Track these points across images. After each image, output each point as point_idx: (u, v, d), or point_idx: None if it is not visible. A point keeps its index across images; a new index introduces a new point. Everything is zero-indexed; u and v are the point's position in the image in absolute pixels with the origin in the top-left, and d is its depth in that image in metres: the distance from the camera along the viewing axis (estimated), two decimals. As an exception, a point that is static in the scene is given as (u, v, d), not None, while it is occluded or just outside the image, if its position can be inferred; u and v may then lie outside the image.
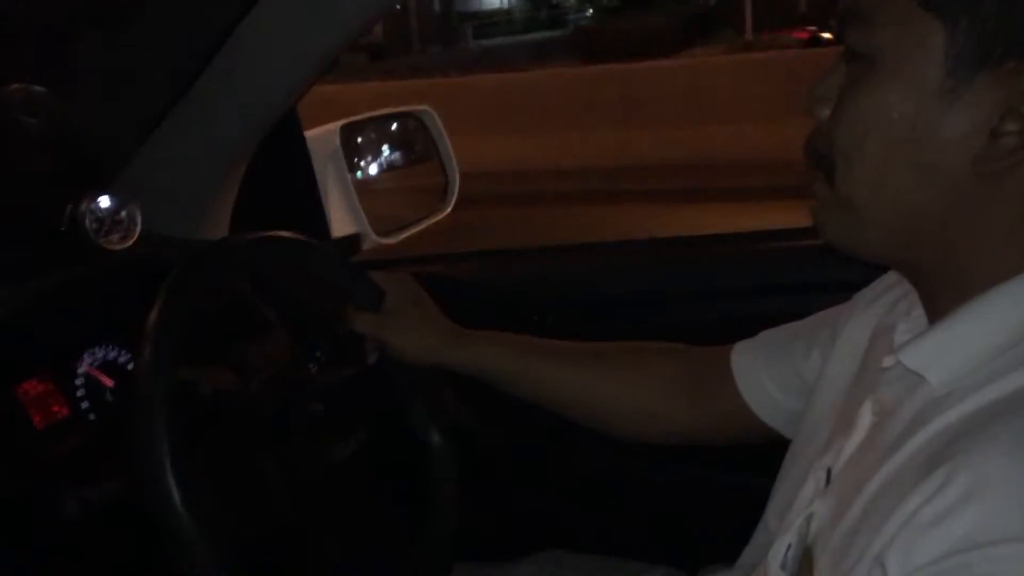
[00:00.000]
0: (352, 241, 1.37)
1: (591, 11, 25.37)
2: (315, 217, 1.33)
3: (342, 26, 1.09)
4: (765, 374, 0.94)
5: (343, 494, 0.94)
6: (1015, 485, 0.50)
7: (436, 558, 1.03)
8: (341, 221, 1.37)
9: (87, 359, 1.05)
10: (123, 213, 1.16)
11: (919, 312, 0.70)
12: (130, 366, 1.05)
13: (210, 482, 0.86)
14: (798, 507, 0.73)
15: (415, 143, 1.52)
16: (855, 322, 0.84)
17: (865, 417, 0.70)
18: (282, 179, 1.30)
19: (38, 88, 1.13)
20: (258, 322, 1.08)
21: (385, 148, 1.51)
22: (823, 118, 0.66)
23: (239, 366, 1.04)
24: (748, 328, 0.99)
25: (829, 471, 0.72)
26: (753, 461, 0.96)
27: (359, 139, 1.43)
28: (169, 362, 0.83)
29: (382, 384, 1.04)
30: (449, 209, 1.50)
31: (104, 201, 1.14)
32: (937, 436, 0.58)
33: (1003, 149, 0.57)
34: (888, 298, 0.81)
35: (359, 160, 1.44)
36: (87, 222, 1.13)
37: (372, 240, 1.39)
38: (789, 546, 0.70)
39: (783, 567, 0.69)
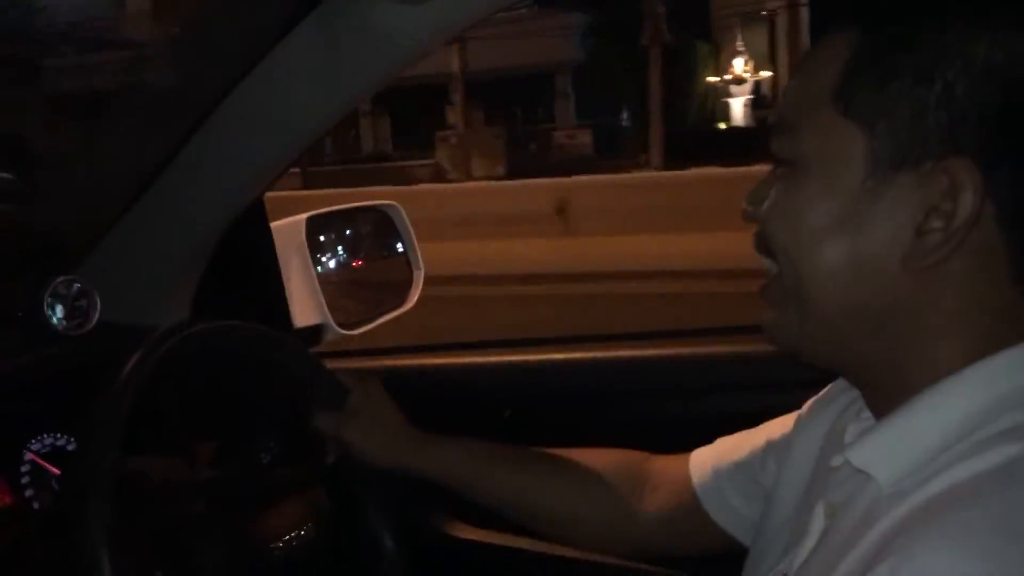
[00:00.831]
0: (314, 332, 1.37)
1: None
2: (278, 307, 1.33)
3: (312, 120, 1.11)
4: (725, 483, 0.93)
5: None
6: None
7: None
8: (303, 312, 1.37)
9: (35, 446, 1.03)
10: (82, 300, 1.16)
11: (868, 414, 0.71)
12: None
13: (153, 572, 0.84)
14: None
15: (380, 237, 1.53)
16: (809, 429, 0.85)
17: (817, 521, 0.70)
18: (246, 268, 1.31)
19: (4, 175, 1.14)
20: (210, 410, 1.07)
21: (350, 242, 1.52)
22: (762, 214, 0.69)
23: (188, 456, 1.03)
24: (704, 430, 1.00)
25: None
26: (713, 569, 0.96)
27: (324, 232, 1.44)
28: (109, 451, 0.81)
29: (336, 483, 1.03)
30: (411, 304, 1.51)
31: (64, 287, 1.14)
32: (883, 535, 0.58)
33: (929, 246, 0.60)
34: (840, 402, 0.82)
35: (324, 252, 1.45)
36: (45, 307, 1.13)
37: (334, 332, 1.39)
38: None
39: None
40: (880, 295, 0.62)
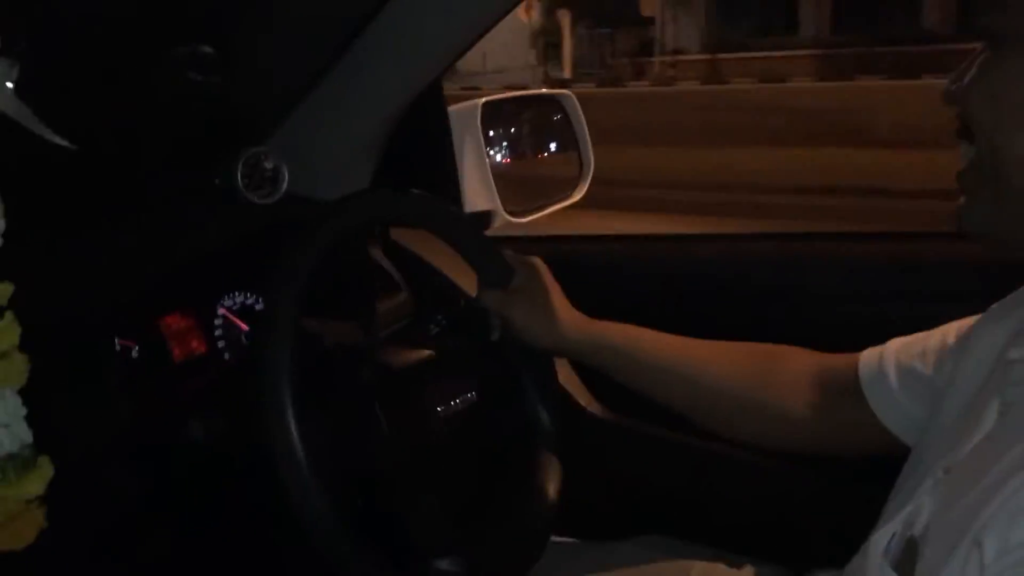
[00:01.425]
0: (484, 217, 1.40)
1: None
2: (450, 190, 1.36)
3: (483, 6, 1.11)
4: (895, 384, 0.91)
5: (449, 453, 0.96)
6: None
7: (534, 530, 1.05)
8: (475, 196, 1.39)
9: (227, 301, 1.12)
10: (272, 171, 1.23)
11: None
12: None
13: (325, 429, 0.89)
14: (911, 502, 0.72)
15: (554, 127, 1.53)
16: (987, 333, 0.81)
17: (989, 416, 0.68)
18: (422, 149, 1.34)
19: (205, 48, 1.20)
20: (385, 281, 1.12)
21: (524, 129, 1.53)
22: (960, 94, 0.66)
23: (363, 322, 1.08)
24: (876, 334, 0.96)
25: (947, 469, 0.70)
26: (871, 469, 0.94)
27: (499, 117, 1.45)
28: (293, 314, 0.86)
29: (499, 358, 1.06)
30: (579, 196, 1.51)
31: (256, 159, 1.21)
32: None
33: None
34: (1022, 311, 0.78)
35: (497, 138, 1.46)
36: (239, 176, 1.20)
37: (503, 218, 1.41)
38: (893, 535, 0.68)
39: (885, 554, 0.68)
40: None
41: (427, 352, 0.98)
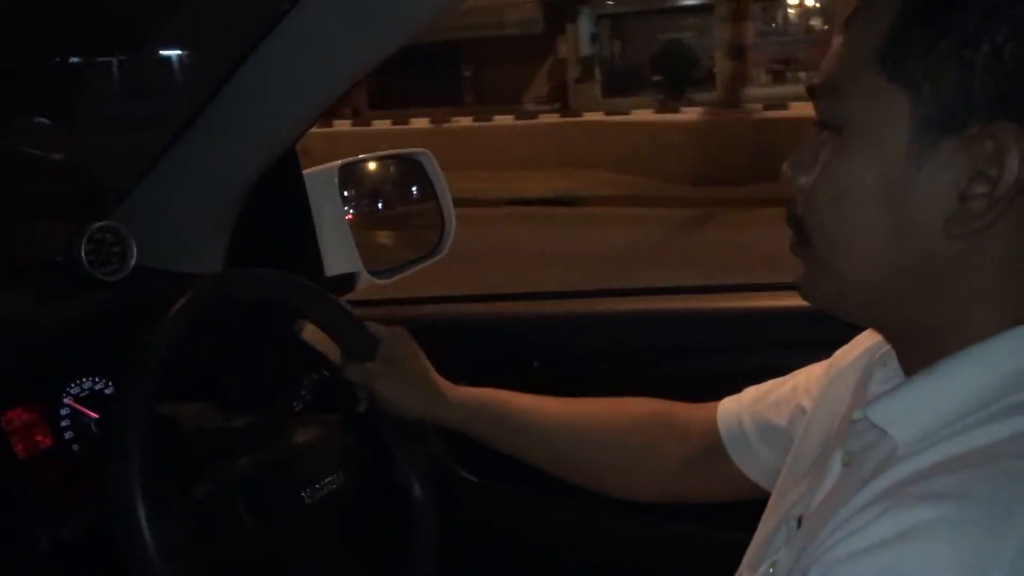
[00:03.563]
0: (346, 280, 1.38)
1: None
2: (310, 254, 1.33)
3: (345, 69, 1.10)
4: (751, 431, 0.95)
5: (318, 535, 0.94)
6: (938, 542, 0.51)
7: None
8: (336, 260, 1.37)
9: (74, 389, 1.06)
10: (118, 246, 1.18)
11: (895, 364, 0.72)
12: None
13: (184, 522, 0.86)
14: (766, 555, 0.74)
15: (412, 185, 1.53)
16: (835, 378, 0.85)
17: (835, 466, 0.71)
18: (279, 215, 1.31)
19: (42, 119, 1.15)
20: (245, 357, 1.09)
21: (382, 189, 1.52)
22: (800, 186, 0.68)
23: (223, 403, 1.05)
24: (731, 384, 1.00)
25: (800, 519, 0.73)
26: (734, 516, 0.97)
27: (356, 179, 1.44)
28: (147, 398, 0.83)
29: (367, 430, 1.05)
30: (443, 253, 1.51)
31: (100, 232, 1.16)
32: (893, 484, 0.59)
33: (973, 212, 0.59)
34: (866, 352, 0.82)
35: (356, 200, 1.45)
36: (83, 253, 1.14)
37: (366, 280, 1.40)
38: None
39: None
40: (920, 260, 0.62)
41: (291, 434, 0.96)
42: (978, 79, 0.57)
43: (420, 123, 13.21)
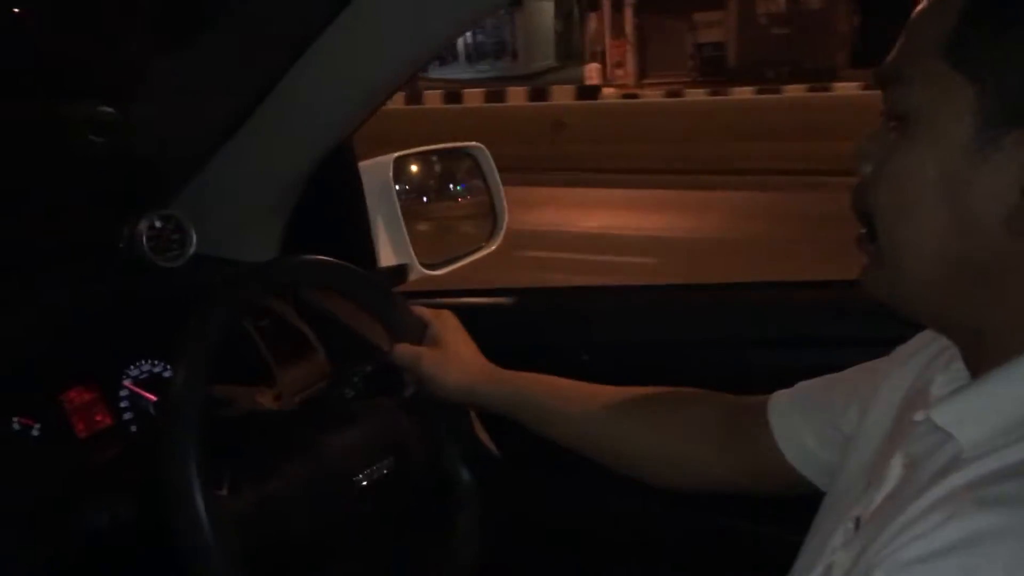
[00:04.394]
0: (398, 271, 1.39)
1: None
2: (363, 245, 1.35)
3: (399, 64, 1.11)
4: (803, 426, 0.93)
5: (368, 518, 0.95)
6: (1005, 549, 0.50)
7: None
8: (389, 251, 1.39)
9: (133, 371, 1.08)
10: (178, 233, 1.20)
11: (958, 365, 0.70)
12: None
13: (238, 498, 0.87)
14: (823, 557, 0.73)
15: (467, 178, 1.54)
16: (894, 377, 0.84)
17: (895, 469, 0.69)
18: (334, 207, 1.33)
19: (105, 108, 1.17)
20: (298, 344, 1.11)
21: (437, 181, 1.53)
22: (867, 174, 0.67)
23: (276, 386, 1.06)
24: (783, 379, 0.99)
25: (858, 520, 0.72)
26: (786, 514, 0.95)
27: (412, 171, 1.45)
28: (201, 380, 0.85)
29: (416, 416, 1.05)
30: (495, 246, 1.51)
31: (161, 221, 1.18)
32: (952, 490, 0.58)
33: None
34: (930, 350, 0.81)
35: (410, 191, 1.46)
36: (144, 240, 1.17)
37: (418, 271, 1.41)
38: None
39: None
40: (981, 256, 0.61)
41: (343, 419, 0.97)
42: None
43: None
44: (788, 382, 0.98)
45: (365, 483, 0.93)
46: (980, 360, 0.65)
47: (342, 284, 1.04)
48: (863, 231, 0.68)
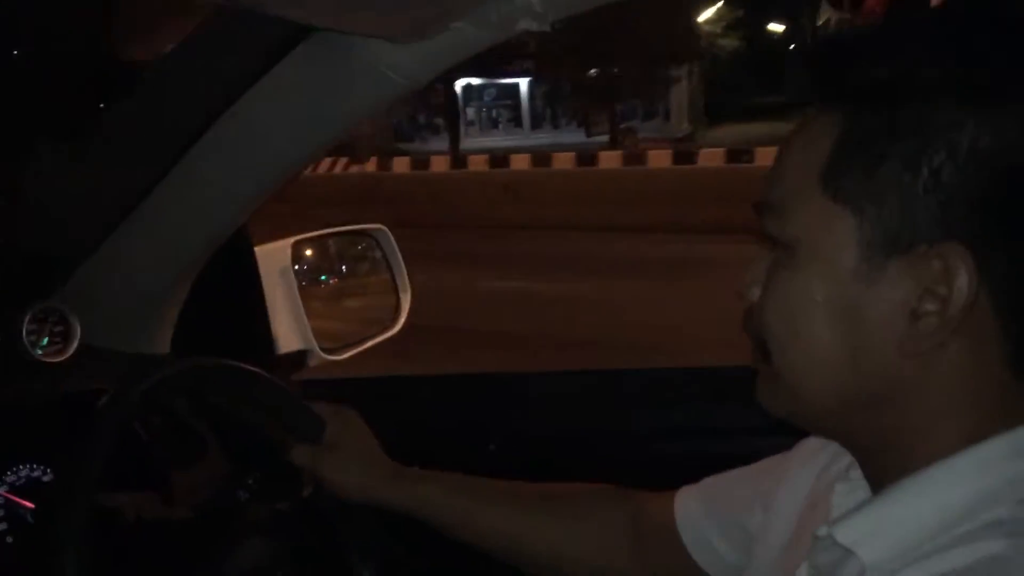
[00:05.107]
0: (298, 358, 1.36)
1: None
2: (261, 332, 1.31)
3: (297, 151, 1.10)
4: (709, 526, 0.92)
5: None
6: None
7: None
8: (288, 337, 1.35)
9: (9, 478, 1.01)
10: (62, 326, 1.14)
11: (858, 473, 0.71)
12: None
13: None
14: None
15: (368, 261, 1.52)
16: (797, 474, 0.84)
17: None
18: (230, 293, 1.29)
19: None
20: (191, 442, 1.06)
21: (336, 266, 1.51)
22: (755, 298, 0.67)
23: (166, 492, 1.01)
24: (691, 469, 0.98)
25: None
26: None
27: (310, 255, 1.43)
28: (87, 489, 0.80)
29: (315, 518, 1.01)
30: (398, 328, 1.50)
31: (43, 313, 1.12)
32: None
33: (925, 331, 0.58)
34: (826, 453, 0.81)
35: (310, 276, 1.43)
36: (23, 334, 1.11)
37: (319, 357, 1.38)
38: None
39: None
40: (875, 380, 0.61)
41: (236, 527, 0.92)
42: (919, 201, 0.57)
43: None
44: (698, 473, 0.97)
45: None
46: (878, 472, 0.65)
47: (238, 386, 1.00)
48: (757, 353, 0.68)
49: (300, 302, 1.34)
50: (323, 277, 1.48)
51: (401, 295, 1.50)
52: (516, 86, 24.07)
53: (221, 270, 1.25)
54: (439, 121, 22.53)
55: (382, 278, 1.49)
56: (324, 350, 1.38)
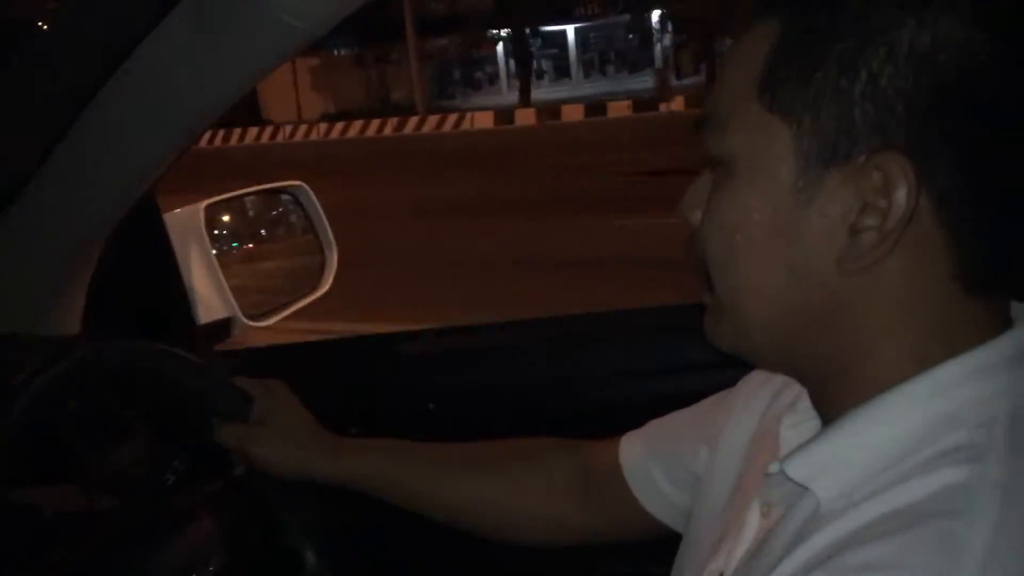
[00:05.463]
0: (221, 327, 1.29)
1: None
2: (177, 303, 1.24)
3: (197, 109, 1.02)
4: (655, 469, 0.90)
5: None
6: None
7: None
8: (209, 306, 1.28)
9: None
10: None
11: (805, 404, 0.69)
12: None
13: None
14: None
15: (288, 220, 1.45)
16: (742, 411, 0.82)
17: (753, 518, 0.67)
18: (140, 264, 1.21)
19: None
20: (107, 431, 0.99)
21: (256, 226, 1.43)
22: (695, 223, 0.64)
23: (85, 483, 0.95)
24: (636, 412, 0.96)
25: (721, 575, 0.69)
26: (646, 552, 0.93)
27: (226, 218, 1.35)
28: None
29: (247, 498, 0.96)
30: (326, 288, 1.43)
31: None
32: (822, 550, 0.55)
33: (864, 246, 0.56)
34: (770, 388, 0.79)
35: (227, 240, 1.36)
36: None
37: (243, 325, 1.31)
38: None
39: None
40: (817, 299, 0.59)
41: (163, 515, 0.87)
42: (858, 108, 0.54)
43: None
44: (643, 415, 0.95)
45: None
46: (828, 404, 0.63)
47: (150, 364, 0.93)
48: (702, 281, 0.66)
49: (218, 268, 1.27)
50: (238, 242, 1.40)
51: (327, 253, 1.44)
52: (564, 33, 23.43)
53: (129, 241, 1.17)
54: (480, 75, 22.08)
55: (305, 238, 1.42)
56: (249, 317, 1.32)
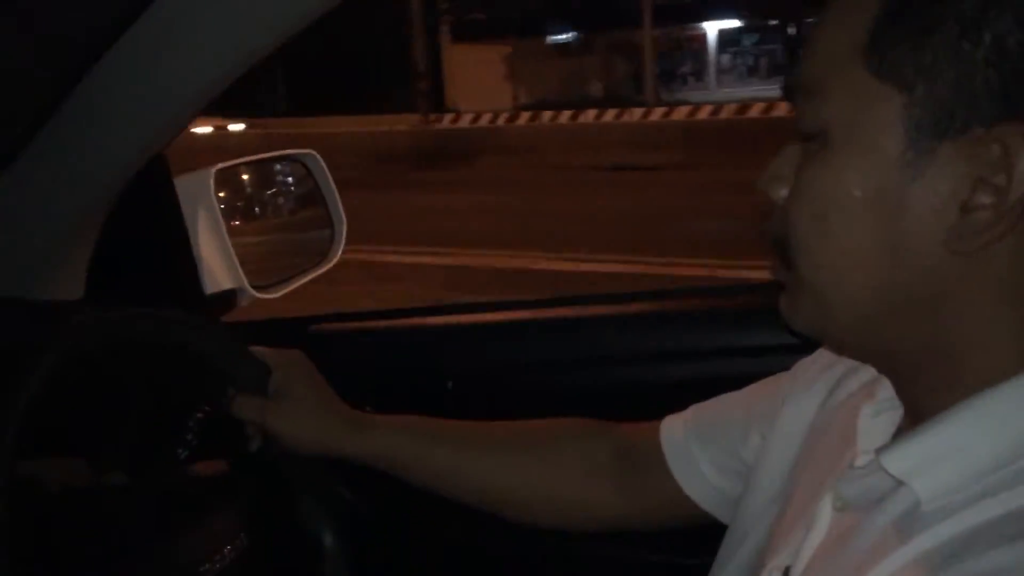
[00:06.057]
0: (227, 298, 1.24)
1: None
2: (185, 272, 1.19)
3: (211, 70, 0.97)
4: (700, 455, 0.86)
5: None
6: None
7: None
8: (216, 275, 1.23)
9: None
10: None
11: (887, 394, 0.64)
12: None
13: None
14: None
15: (298, 189, 1.40)
16: (797, 400, 0.78)
17: (825, 512, 0.63)
18: (147, 229, 1.16)
19: None
20: (116, 402, 0.95)
21: (266, 194, 1.38)
22: (779, 199, 0.60)
23: (93, 456, 0.90)
24: (672, 396, 0.92)
25: (787, 570, 0.65)
26: (684, 540, 0.89)
27: (235, 185, 1.30)
28: (4, 458, 0.69)
29: (264, 476, 0.92)
30: (335, 261, 1.39)
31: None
32: (926, 553, 0.52)
33: (977, 225, 0.52)
34: (832, 374, 0.76)
35: (236, 208, 1.31)
36: (-87, 284, 0.97)
37: (250, 296, 1.26)
38: None
39: None
40: (918, 281, 0.55)
41: (177, 494, 0.82)
42: (979, 75, 0.50)
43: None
44: (681, 399, 0.91)
45: (214, 573, 0.79)
46: (923, 396, 0.59)
47: (163, 333, 0.88)
48: (778, 260, 0.62)
49: (227, 236, 1.22)
50: (251, 207, 1.35)
51: (336, 225, 1.39)
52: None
53: (137, 204, 1.12)
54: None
55: (315, 208, 1.37)
56: (256, 288, 1.27)
